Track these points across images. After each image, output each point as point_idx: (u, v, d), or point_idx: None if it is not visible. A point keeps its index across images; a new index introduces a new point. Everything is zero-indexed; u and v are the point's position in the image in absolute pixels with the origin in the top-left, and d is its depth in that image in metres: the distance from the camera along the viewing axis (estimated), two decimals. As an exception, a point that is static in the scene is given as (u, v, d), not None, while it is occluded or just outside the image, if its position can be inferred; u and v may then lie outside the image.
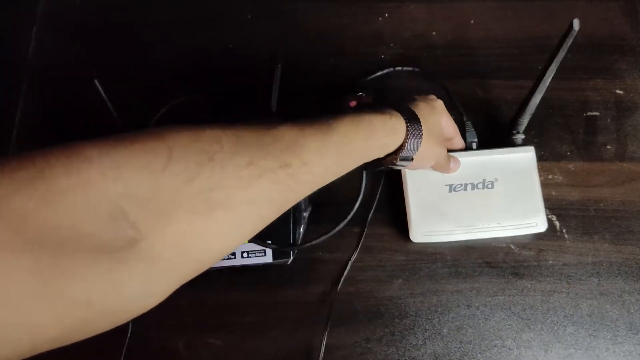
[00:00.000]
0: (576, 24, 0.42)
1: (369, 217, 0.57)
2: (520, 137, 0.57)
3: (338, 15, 0.66)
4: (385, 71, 0.63)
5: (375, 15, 0.66)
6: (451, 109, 0.56)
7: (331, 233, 0.54)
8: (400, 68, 0.63)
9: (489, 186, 0.55)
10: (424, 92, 0.51)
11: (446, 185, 0.55)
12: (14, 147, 0.61)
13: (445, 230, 0.54)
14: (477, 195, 0.55)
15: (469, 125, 0.58)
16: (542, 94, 0.51)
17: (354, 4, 0.66)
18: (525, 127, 0.60)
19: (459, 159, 0.55)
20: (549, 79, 0.49)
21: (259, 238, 0.54)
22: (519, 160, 0.56)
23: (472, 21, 0.65)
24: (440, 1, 0.66)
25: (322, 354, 0.53)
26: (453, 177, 0.55)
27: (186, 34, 0.65)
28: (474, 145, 0.57)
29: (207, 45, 0.65)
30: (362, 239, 0.57)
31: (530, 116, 0.55)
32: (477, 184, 0.55)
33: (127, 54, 0.65)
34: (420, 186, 0.55)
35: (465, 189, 0.55)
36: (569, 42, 0.44)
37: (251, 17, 0.66)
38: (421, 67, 0.63)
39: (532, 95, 0.52)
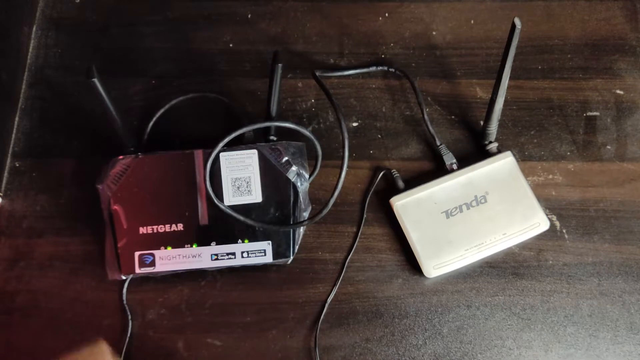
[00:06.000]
0: (517, 22, 0.44)
1: (364, 217, 0.57)
2: (494, 146, 0.58)
3: (338, 15, 0.66)
4: (358, 71, 0.63)
5: (375, 15, 0.66)
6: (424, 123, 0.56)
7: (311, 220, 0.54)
8: (374, 68, 0.63)
9: (482, 201, 0.55)
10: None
11: (442, 212, 0.55)
12: (13, 147, 0.61)
13: (455, 257, 0.54)
14: (474, 213, 0.55)
15: (443, 149, 0.58)
16: (503, 98, 0.52)
17: (354, 4, 0.66)
18: (525, 127, 0.61)
19: (443, 184, 0.56)
20: (507, 81, 0.50)
21: (261, 234, 0.54)
22: (501, 168, 0.56)
23: (472, 21, 0.65)
24: (440, 1, 0.66)
25: (317, 355, 0.53)
26: (446, 202, 0.55)
27: (186, 33, 0.65)
28: (455, 166, 0.57)
29: (207, 45, 0.65)
30: (358, 238, 0.57)
31: (497, 122, 0.55)
32: (471, 202, 0.55)
33: (126, 53, 0.65)
34: (418, 221, 0.55)
35: (461, 210, 0.55)
36: (515, 40, 0.45)
37: (251, 16, 0.66)
38: (420, 67, 0.63)
39: (494, 102, 0.52)
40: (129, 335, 0.53)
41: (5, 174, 0.60)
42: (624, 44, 0.64)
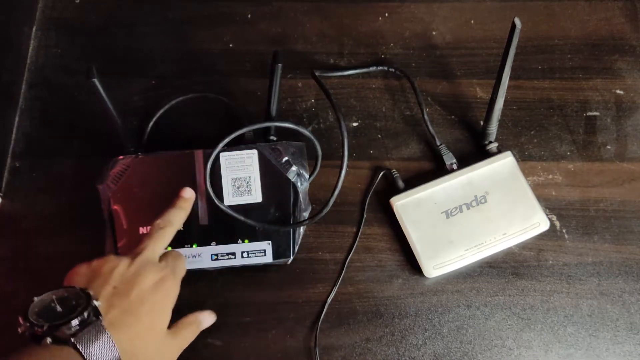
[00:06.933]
0: (517, 22, 0.44)
1: (364, 217, 0.57)
2: (494, 146, 0.58)
3: (338, 15, 0.66)
4: (357, 71, 0.63)
5: (375, 15, 0.66)
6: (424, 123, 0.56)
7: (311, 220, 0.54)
8: (374, 68, 0.63)
9: (482, 201, 0.55)
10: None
11: (442, 212, 0.55)
12: (13, 147, 0.61)
13: (455, 257, 0.54)
14: (474, 213, 0.55)
15: (443, 149, 0.58)
16: (503, 98, 0.52)
17: (354, 4, 0.66)
18: (525, 127, 0.61)
19: (443, 184, 0.56)
20: (507, 82, 0.50)
21: (261, 234, 0.54)
22: (501, 168, 0.56)
23: (472, 21, 0.65)
24: (440, 1, 0.66)
25: (317, 355, 0.53)
26: (446, 203, 0.55)
27: (186, 33, 0.65)
28: (455, 166, 0.57)
29: (207, 45, 0.65)
30: (358, 238, 0.57)
31: (497, 122, 0.55)
32: (471, 202, 0.55)
33: (126, 53, 0.65)
34: (418, 221, 0.55)
35: (461, 210, 0.55)
36: (515, 40, 0.46)
37: (251, 17, 0.66)
38: (420, 67, 0.63)
39: (494, 102, 0.52)
40: (129, 335, 0.53)
41: (5, 174, 0.60)
42: (624, 44, 0.64)
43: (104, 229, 0.55)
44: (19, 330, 0.39)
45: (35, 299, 0.40)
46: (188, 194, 0.52)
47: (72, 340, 0.37)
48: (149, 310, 0.43)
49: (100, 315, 0.40)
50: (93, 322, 0.39)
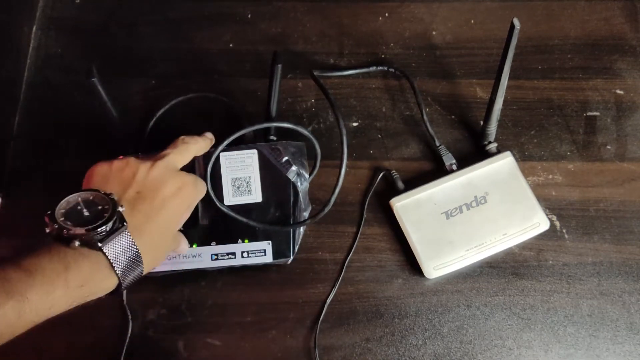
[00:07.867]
0: (516, 22, 0.44)
1: (364, 218, 0.57)
2: (493, 146, 0.58)
3: (338, 15, 0.66)
4: (357, 71, 0.63)
5: (375, 15, 0.66)
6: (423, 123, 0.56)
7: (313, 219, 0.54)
8: (374, 68, 0.63)
9: (482, 201, 0.55)
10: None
11: (442, 213, 0.55)
12: (13, 147, 0.61)
13: (456, 257, 0.54)
14: (474, 213, 0.55)
15: (443, 149, 0.58)
16: (503, 98, 0.52)
17: (354, 4, 0.66)
18: (525, 127, 0.61)
19: (443, 185, 0.56)
20: (506, 82, 0.50)
21: (261, 234, 0.54)
22: (501, 168, 0.56)
23: (472, 21, 0.65)
24: (440, 1, 0.66)
25: (317, 355, 0.53)
26: (446, 203, 0.55)
27: (186, 33, 0.65)
28: (454, 167, 0.57)
29: (207, 45, 0.65)
30: (358, 238, 0.57)
31: (497, 122, 0.55)
32: (471, 203, 0.55)
33: (126, 53, 0.65)
34: (418, 222, 0.55)
35: (461, 211, 0.55)
36: (514, 41, 0.46)
37: (251, 17, 0.66)
38: (420, 67, 0.63)
39: (494, 102, 0.52)
40: (129, 335, 0.53)
41: (6, 174, 0.60)
42: (624, 44, 0.64)
43: (104, 229, 0.54)
44: (47, 229, 0.40)
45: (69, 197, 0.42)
46: (210, 135, 0.54)
47: (100, 245, 0.39)
48: (168, 217, 0.45)
49: (125, 221, 0.41)
50: (119, 229, 0.41)
